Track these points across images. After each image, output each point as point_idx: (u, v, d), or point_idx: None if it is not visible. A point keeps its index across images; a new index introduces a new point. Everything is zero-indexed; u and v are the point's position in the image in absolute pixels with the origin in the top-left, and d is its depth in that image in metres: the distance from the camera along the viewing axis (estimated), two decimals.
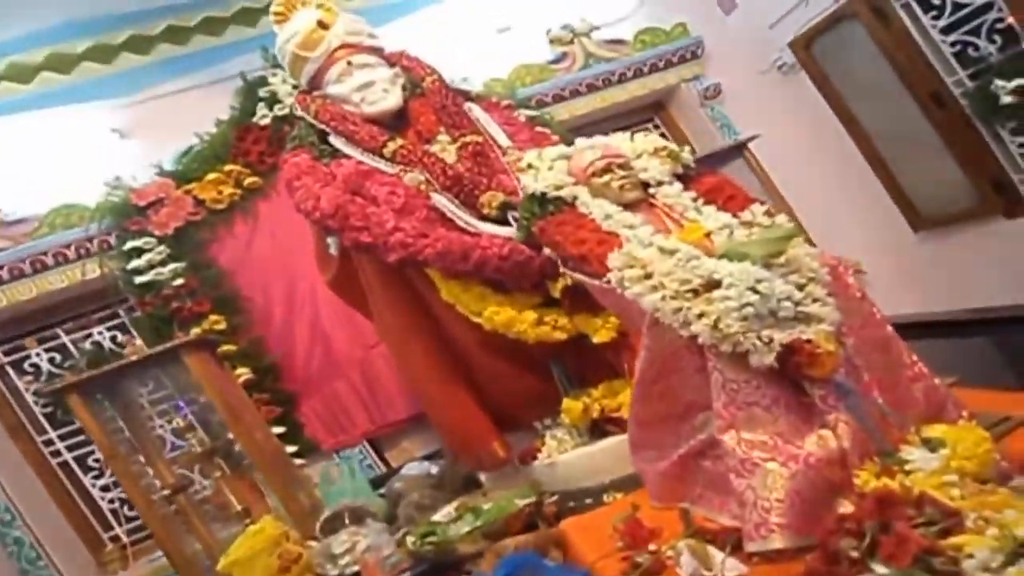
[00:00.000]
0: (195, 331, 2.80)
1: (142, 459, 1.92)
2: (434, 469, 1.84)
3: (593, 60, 3.13)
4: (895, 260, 2.94)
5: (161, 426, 2.34)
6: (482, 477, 1.73)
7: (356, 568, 1.41)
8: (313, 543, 1.58)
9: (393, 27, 2.71)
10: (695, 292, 1.02)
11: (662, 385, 1.07)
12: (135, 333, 2.69)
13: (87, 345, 2.67)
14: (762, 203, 1.20)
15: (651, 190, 1.29)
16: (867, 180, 2.92)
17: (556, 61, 3.10)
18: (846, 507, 0.91)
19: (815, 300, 1.02)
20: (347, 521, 1.57)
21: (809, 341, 0.99)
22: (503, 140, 1.94)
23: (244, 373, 2.74)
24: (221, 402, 1.86)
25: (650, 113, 3.64)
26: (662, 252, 1.08)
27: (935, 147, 2.57)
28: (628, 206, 1.25)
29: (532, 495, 1.38)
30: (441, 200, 1.70)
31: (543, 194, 1.29)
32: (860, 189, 2.98)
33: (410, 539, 1.38)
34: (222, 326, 2.74)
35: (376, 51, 2.04)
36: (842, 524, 0.84)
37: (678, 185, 1.27)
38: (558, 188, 1.28)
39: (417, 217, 1.65)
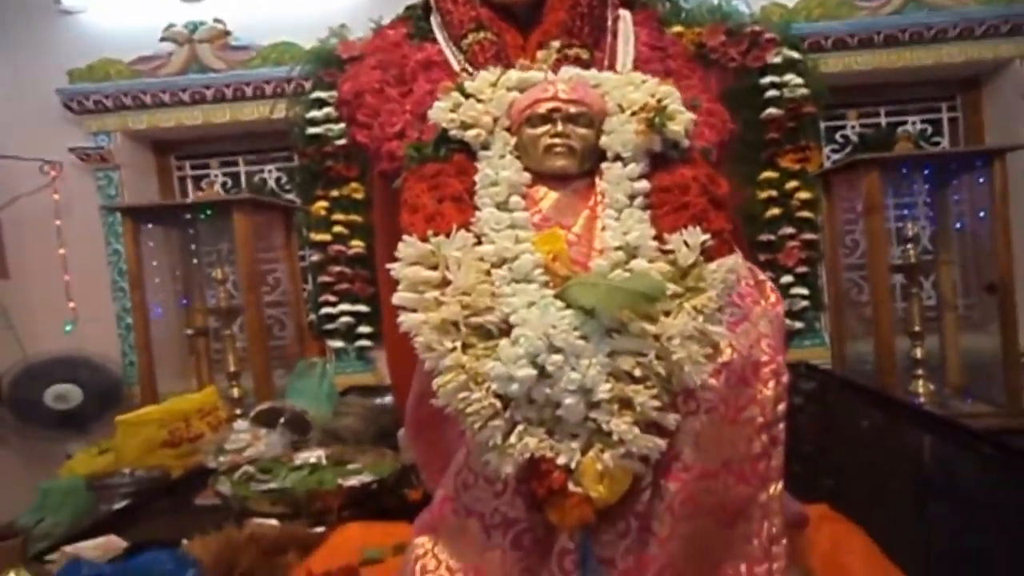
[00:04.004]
0: (334, 193, 3.00)
1: (184, 300, 2.22)
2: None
3: (915, 5, 2.47)
4: None
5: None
6: (400, 433, 1.57)
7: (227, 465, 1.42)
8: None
9: None
10: (485, 334, 0.67)
11: (431, 406, 0.75)
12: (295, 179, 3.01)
13: (256, 179, 3.08)
14: (717, 232, 0.72)
15: (604, 164, 0.85)
16: None
17: None
18: None
19: (625, 407, 0.60)
20: (281, 420, 1.60)
21: (568, 470, 0.60)
22: (623, 63, 1.51)
23: (357, 246, 2.92)
24: (243, 266, 1.98)
25: (952, 90, 2.84)
26: (503, 260, 0.72)
27: None
28: (553, 179, 0.84)
29: (392, 469, 1.20)
30: None
31: (444, 132, 0.88)
32: None
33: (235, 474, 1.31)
34: (359, 195, 2.93)
35: None
36: None
37: (634, 168, 0.82)
38: (466, 128, 0.86)
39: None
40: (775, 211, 2.76)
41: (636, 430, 0.60)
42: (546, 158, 0.82)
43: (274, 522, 1.14)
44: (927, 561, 1.01)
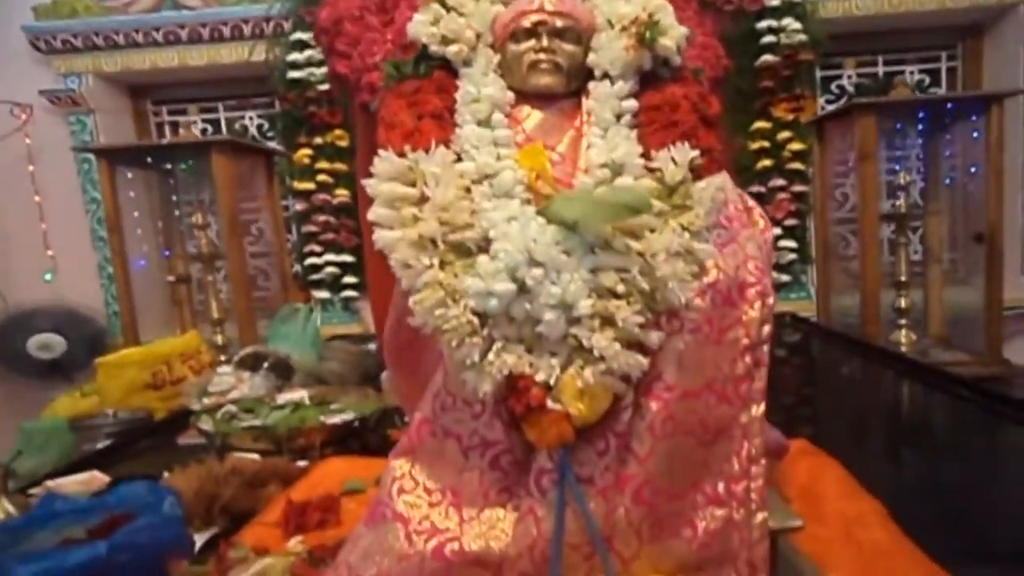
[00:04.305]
0: (317, 141, 2.93)
1: (167, 252, 2.17)
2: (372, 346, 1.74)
3: None
4: None
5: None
6: (383, 375, 1.57)
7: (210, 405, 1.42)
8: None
9: None
10: (464, 251, 0.65)
11: (409, 331, 0.73)
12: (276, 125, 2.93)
13: (236, 126, 2.99)
14: (706, 150, 0.70)
15: (591, 84, 0.80)
16: None
17: None
18: None
19: (607, 324, 0.59)
20: (265, 365, 1.59)
21: (546, 387, 0.59)
22: None
23: (343, 195, 2.86)
24: (224, 211, 1.92)
25: (954, 37, 2.77)
26: (484, 176, 0.70)
27: None
28: (537, 98, 0.79)
29: (374, 409, 1.19)
30: None
31: (424, 48, 0.82)
32: None
33: (218, 413, 1.31)
34: (344, 143, 2.85)
35: None
36: None
37: (622, 86, 0.77)
38: (447, 43, 0.80)
39: None
40: (766, 162, 2.73)
41: (617, 346, 0.58)
42: (531, 75, 0.79)
43: (256, 457, 1.13)
44: (902, 494, 1.03)
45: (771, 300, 0.66)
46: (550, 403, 0.59)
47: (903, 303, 2.13)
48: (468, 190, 0.68)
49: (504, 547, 0.62)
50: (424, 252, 0.64)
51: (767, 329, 0.65)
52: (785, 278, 2.83)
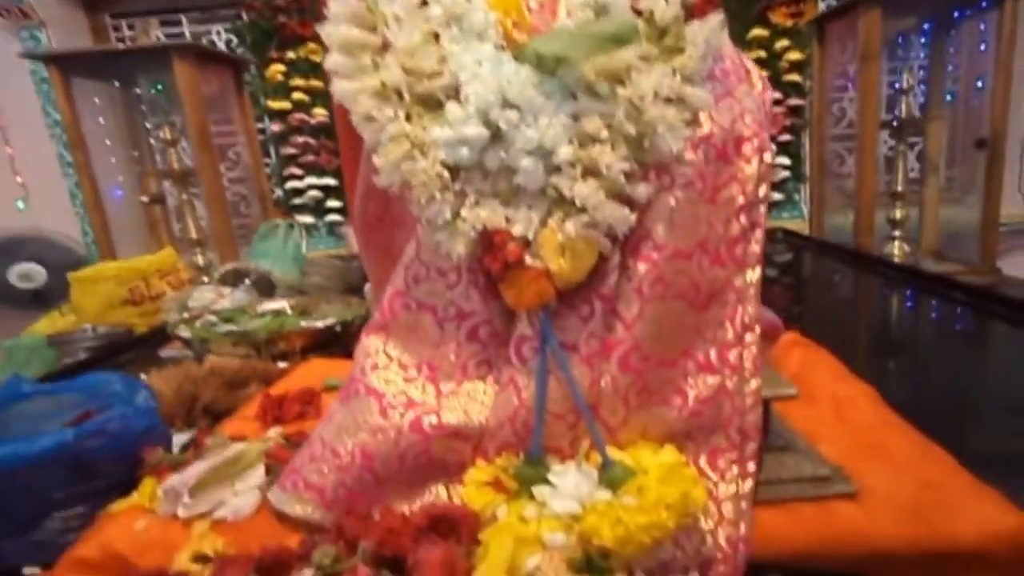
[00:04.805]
0: (290, 55, 2.80)
1: (137, 163, 2.07)
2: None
3: None
4: None
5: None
6: (367, 288, 1.52)
7: (189, 316, 1.37)
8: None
9: None
10: (433, 103, 0.59)
11: (378, 204, 0.68)
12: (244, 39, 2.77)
13: (203, 41, 2.82)
14: None
15: None
16: None
17: None
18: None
19: (590, 173, 0.54)
20: (247, 280, 1.54)
21: (524, 243, 0.54)
22: None
23: (321, 115, 2.76)
24: (192, 124, 1.81)
25: None
26: (451, 20, 0.63)
27: None
28: None
29: (357, 314, 1.16)
30: None
31: None
32: None
33: (198, 321, 1.26)
34: (318, 57, 2.73)
35: None
36: (388, 527, 0.50)
37: None
38: None
39: None
40: (763, 74, 2.62)
41: (601, 195, 0.53)
42: None
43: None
44: (893, 384, 1.02)
45: (768, 156, 0.61)
46: (529, 259, 0.54)
47: (898, 215, 2.09)
48: (436, 37, 0.61)
49: (484, 419, 0.59)
50: (388, 103, 0.58)
51: (764, 189, 0.60)
52: (778, 196, 2.78)
